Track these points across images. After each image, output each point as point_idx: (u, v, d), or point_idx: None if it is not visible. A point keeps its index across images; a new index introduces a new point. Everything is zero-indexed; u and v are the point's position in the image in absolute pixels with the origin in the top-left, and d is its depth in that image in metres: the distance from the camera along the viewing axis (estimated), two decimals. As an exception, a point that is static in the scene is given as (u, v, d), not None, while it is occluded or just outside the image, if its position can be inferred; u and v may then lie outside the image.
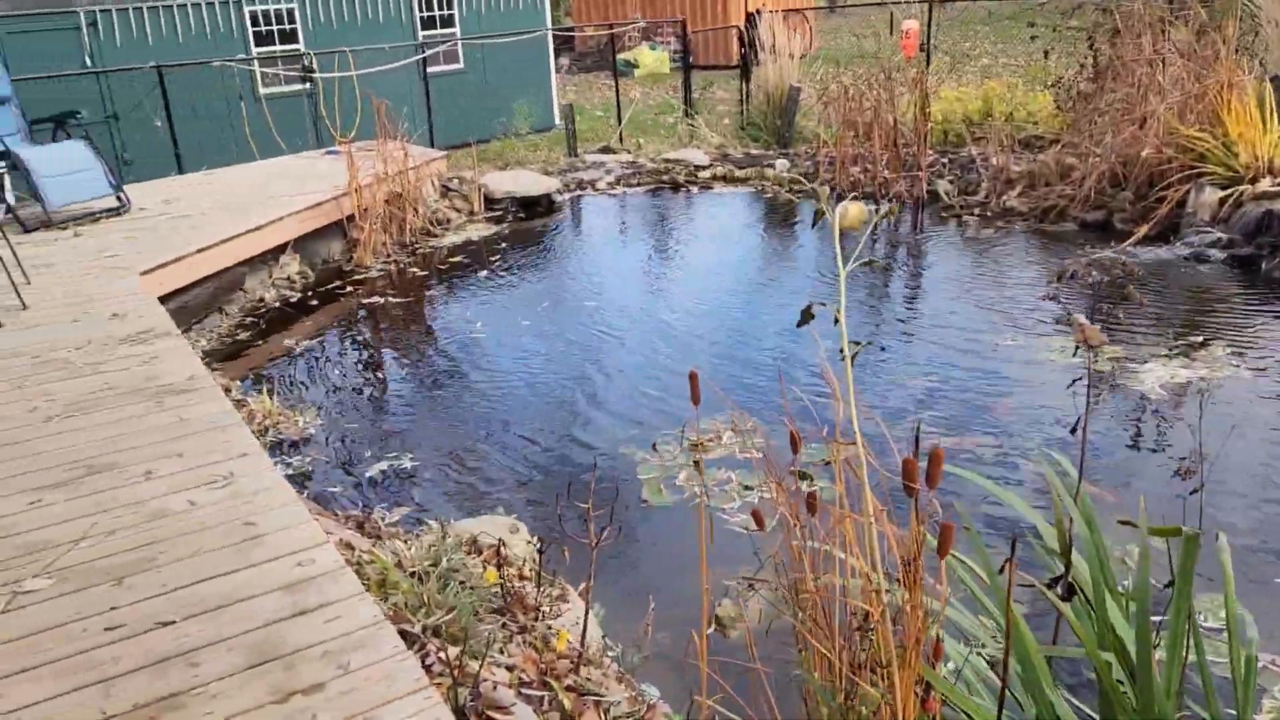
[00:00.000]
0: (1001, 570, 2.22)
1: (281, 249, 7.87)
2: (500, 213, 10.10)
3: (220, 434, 3.64)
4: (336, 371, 6.24)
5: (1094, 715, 2.32)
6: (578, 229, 10.01)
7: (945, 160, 10.20)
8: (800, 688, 2.56)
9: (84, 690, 2.26)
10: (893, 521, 2.14)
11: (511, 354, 6.32)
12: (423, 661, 2.51)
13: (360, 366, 6.39)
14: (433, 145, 11.87)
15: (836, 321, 2.25)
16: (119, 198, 7.78)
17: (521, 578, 3.48)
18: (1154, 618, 2.17)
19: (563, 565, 3.52)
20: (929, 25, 14.37)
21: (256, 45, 12.44)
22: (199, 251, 6.71)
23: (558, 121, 14.83)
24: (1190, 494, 2.98)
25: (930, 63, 12.80)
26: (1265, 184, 7.43)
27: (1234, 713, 2.20)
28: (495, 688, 2.53)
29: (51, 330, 5.02)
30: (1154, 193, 8.12)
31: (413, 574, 3.14)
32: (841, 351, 2.23)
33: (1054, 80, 10.52)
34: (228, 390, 5.30)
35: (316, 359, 6.48)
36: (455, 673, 2.47)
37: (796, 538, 2.36)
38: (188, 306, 6.64)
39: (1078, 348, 5.25)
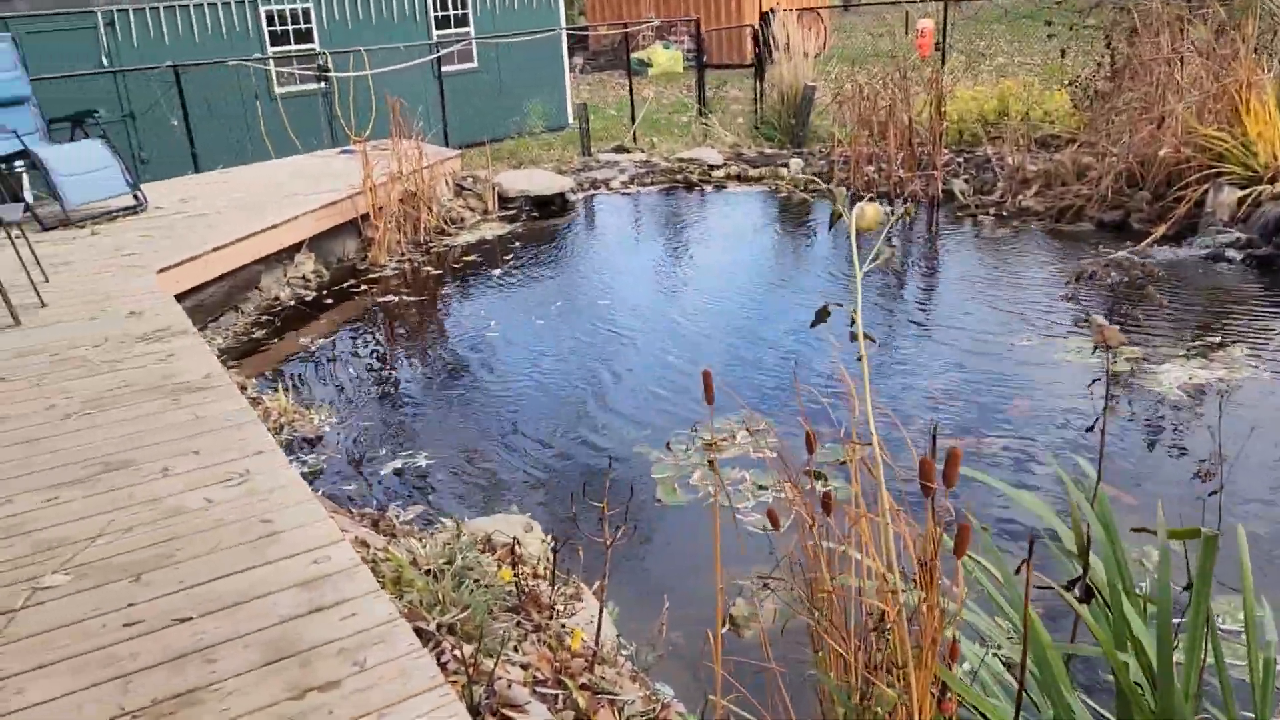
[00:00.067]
0: (1018, 571, 2.21)
1: (297, 248, 7.91)
2: (514, 212, 10.12)
3: (236, 432, 3.65)
4: (351, 370, 6.26)
5: (1110, 718, 2.31)
6: (591, 228, 10.01)
7: (960, 160, 10.16)
8: (815, 688, 2.56)
9: (102, 686, 2.27)
10: (908, 522, 2.13)
11: (525, 353, 6.33)
12: (438, 659, 2.51)
13: (374, 365, 6.41)
14: (447, 144, 11.90)
15: (852, 321, 2.24)
16: (136, 196, 7.83)
17: (536, 576, 3.48)
18: (1175, 620, 2.16)
19: (577, 564, 3.52)
20: (944, 24, 14.32)
21: (272, 45, 12.50)
22: (215, 250, 6.74)
23: (571, 121, 14.84)
24: (1210, 495, 2.96)
25: (945, 61, 12.75)
26: (1284, 183, 7.38)
27: (1252, 716, 2.18)
28: (510, 686, 2.53)
29: (69, 328, 5.05)
30: (1172, 193, 8.06)
31: (428, 572, 3.15)
32: (856, 345, 2.22)
33: (1071, 79, 10.47)
34: (243, 388, 5.32)
35: (331, 357, 6.50)
36: (470, 670, 2.47)
37: (812, 537, 2.35)
38: (204, 305, 6.68)
39: (1095, 348, 5.23)
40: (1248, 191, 7.52)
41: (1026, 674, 2.08)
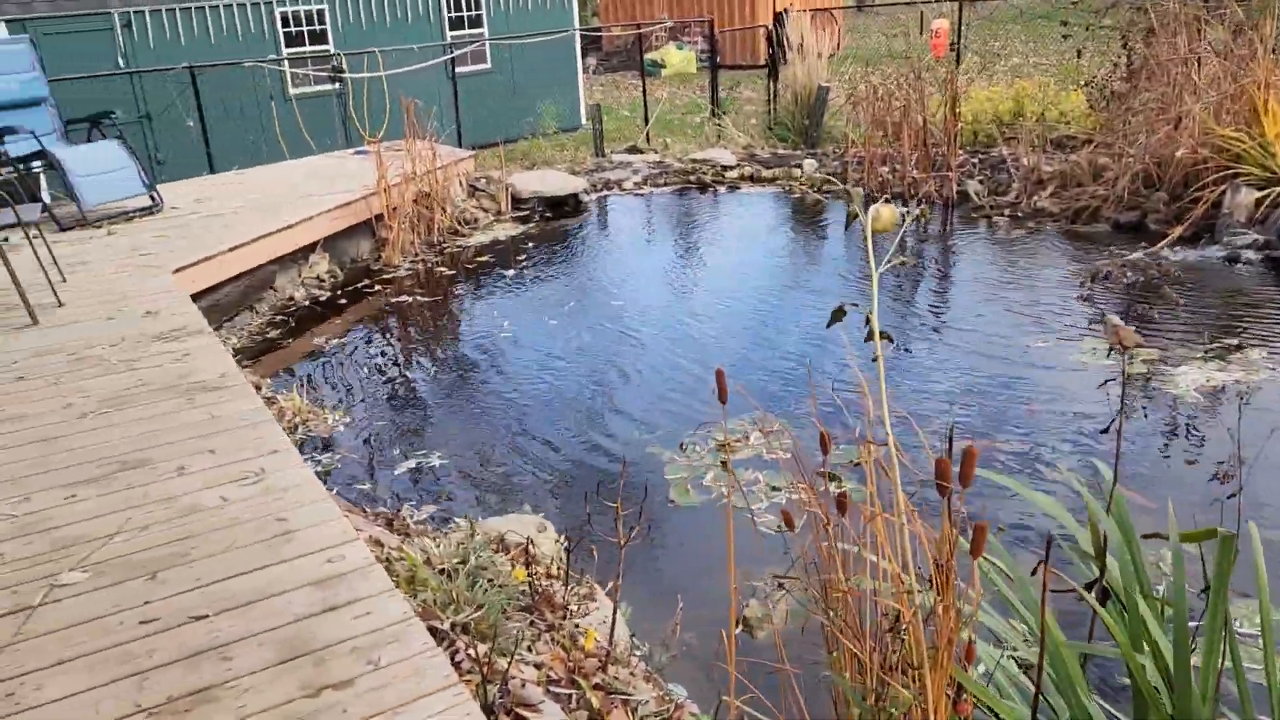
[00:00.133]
0: (1035, 572, 2.20)
1: (311, 248, 7.94)
2: (527, 212, 10.13)
3: (251, 431, 3.67)
4: (365, 370, 6.28)
5: (1126, 720, 2.29)
6: (604, 229, 10.01)
7: (975, 160, 10.12)
8: (829, 689, 2.55)
9: (119, 683, 2.28)
10: (923, 524, 2.12)
11: (537, 353, 6.34)
12: (452, 658, 2.52)
13: (388, 365, 6.43)
14: (460, 145, 11.93)
15: (867, 321, 2.24)
16: (152, 197, 7.87)
17: (549, 576, 3.48)
18: (1190, 623, 2.14)
19: (590, 564, 3.52)
20: (959, 24, 14.28)
21: (287, 46, 12.56)
22: (231, 250, 6.77)
23: (584, 121, 14.86)
24: (1228, 498, 2.93)
25: (960, 62, 12.70)
26: (1303, 184, 7.32)
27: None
28: (524, 685, 2.54)
29: (87, 327, 5.08)
30: (1189, 194, 8.00)
31: (441, 571, 3.15)
32: (870, 346, 2.21)
33: (1087, 80, 10.41)
34: (258, 388, 5.35)
35: (345, 357, 6.53)
36: (484, 670, 2.47)
37: (826, 538, 2.35)
38: (219, 304, 6.72)
39: (1111, 349, 5.19)
40: (1266, 193, 7.47)
41: (1043, 675, 2.07)
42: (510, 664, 2.58)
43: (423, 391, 5.96)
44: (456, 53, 13.04)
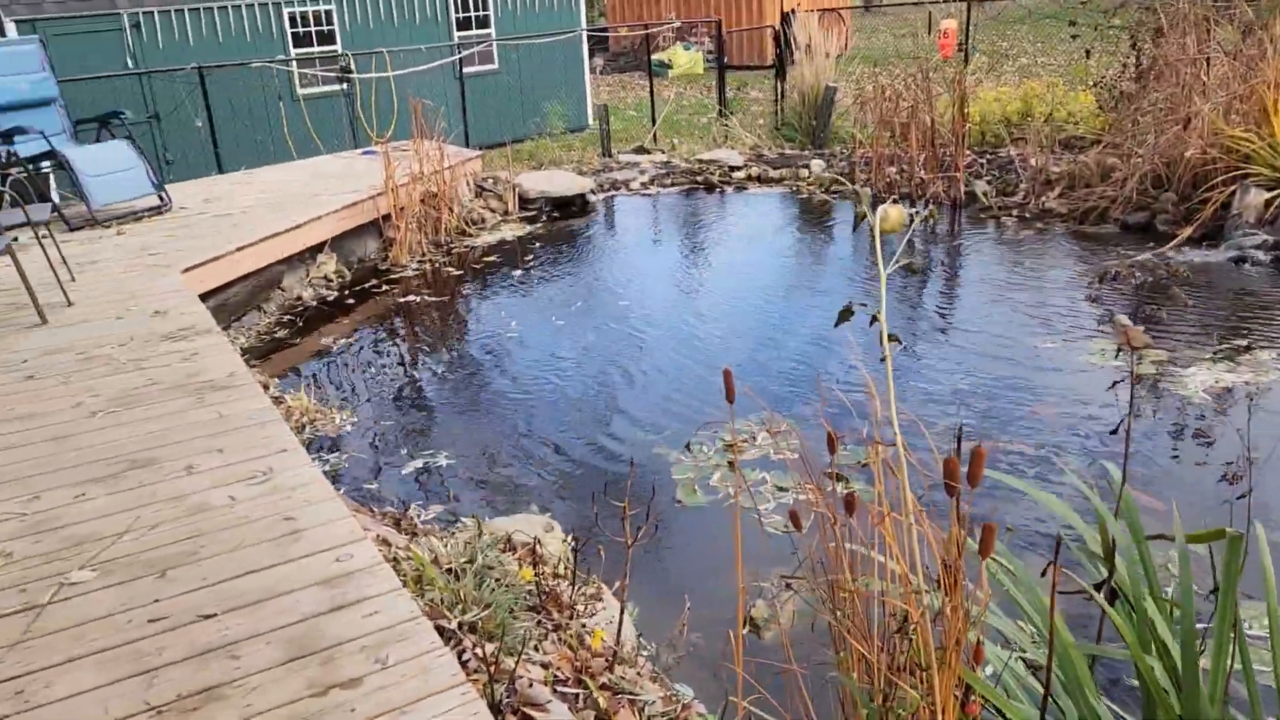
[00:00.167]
0: (1044, 573, 2.20)
1: (319, 248, 7.95)
2: (534, 213, 10.14)
3: (259, 430, 3.68)
4: (372, 369, 6.29)
5: (1134, 722, 2.29)
6: (611, 229, 10.02)
7: (983, 161, 10.10)
8: (837, 690, 2.55)
9: (128, 681, 2.29)
10: (931, 524, 2.12)
11: (544, 354, 6.34)
12: (459, 658, 2.52)
13: (395, 365, 6.44)
14: (468, 145, 11.93)
15: (874, 321, 2.23)
16: (161, 197, 7.90)
17: (556, 576, 3.48)
18: (1199, 625, 2.13)
19: (597, 564, 3.52)
20: (967, 25, 14.24)
21: (295, 46, 12.60)
22: (239, 250, 6.79)
23: (592, 122, 14.86)
24: (1238, 499, 2.92)
25: (968, 62, 12.68)
26: (1313, 185, 7.29)
27: (1281, 722, 2.16)
28: (531, 685, 2.54)
29: (96, 327, 5.10)
30: (1198, 194, 7.97)
31: (449, 571, 3.16)
32: (877, 347, 2.21)
33: (1096, 80, 10.38)
34: (266, 387, 5.36)
35: (353, 357, 6.54)
36: (491, 669, 2.48)
37: (833, 538, 2.34)
38: (227, 304, 6.74)
39: (1119, 350, 5.18)
40: (1276, 193, 7.43)
41: (1052, 676, 2.06)
42: (517, 663, 2.58)
43: (430, 391, 5.96)
44: (464, 53, 13.06)
